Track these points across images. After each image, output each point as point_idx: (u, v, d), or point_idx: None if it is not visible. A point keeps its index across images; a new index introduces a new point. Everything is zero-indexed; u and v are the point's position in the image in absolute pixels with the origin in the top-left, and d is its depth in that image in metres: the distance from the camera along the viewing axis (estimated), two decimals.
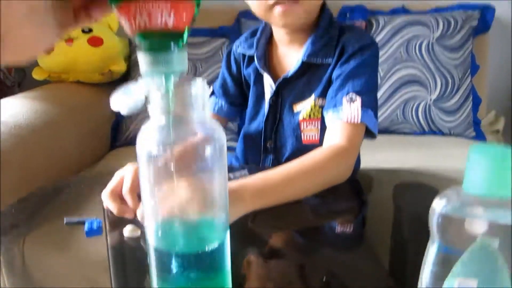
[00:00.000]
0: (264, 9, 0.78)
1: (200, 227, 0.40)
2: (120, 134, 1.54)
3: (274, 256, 0.52)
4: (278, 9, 0.76)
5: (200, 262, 0.37)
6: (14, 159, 1.00)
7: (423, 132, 1.52)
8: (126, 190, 0.61)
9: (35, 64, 1.56)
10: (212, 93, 0.98)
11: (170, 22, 0.31)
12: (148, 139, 0.36)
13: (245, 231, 0.58)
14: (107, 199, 0.62)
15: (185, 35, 0.34)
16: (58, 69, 1.52)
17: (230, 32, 1.63)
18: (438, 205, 0.37)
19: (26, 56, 0.30)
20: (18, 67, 1.76)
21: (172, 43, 0.33)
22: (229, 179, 0.78)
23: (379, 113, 1.51)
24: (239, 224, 0.57)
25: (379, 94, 1.51)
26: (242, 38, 0.95)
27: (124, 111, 0.33)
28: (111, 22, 1.62)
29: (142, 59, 0.33)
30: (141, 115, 1.50)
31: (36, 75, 1.54)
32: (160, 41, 0.33)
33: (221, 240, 0.38)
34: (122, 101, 0.33)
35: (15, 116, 1.12)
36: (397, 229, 0.64)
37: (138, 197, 0.61)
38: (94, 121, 1.46)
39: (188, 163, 0.36)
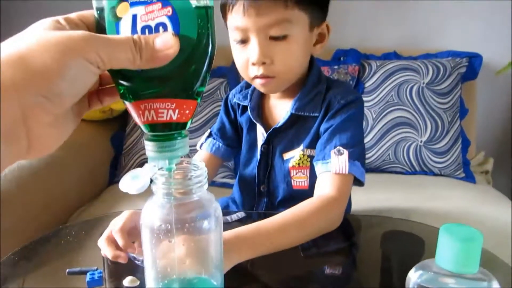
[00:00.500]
0: (247, 78, 0.85)
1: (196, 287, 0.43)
2: (118, 170, 1.57)
3: None
4: (257, 81, 0.83)
5: None
6: (16, 200, 1.03)
7: (414, 172, 1.56)
8: (116, 229, 0.64)
9: None
10: (210, 134, 1.03)
11: (174, 117, 0.36)
12: (152, 215, 0.39)
13: (236, 271, 0.61)
14: (103, 246, 0.65)
15: (188, 124, 0.38)
16: None
17: (228, 72, 1.69)
18: (414, 276, 0.41)
19: (48, 151, 0.34)
20: None
21: (175, 134, 0.37)
22: (226, 221, 0.82)
23: (372, 153, 1.56)
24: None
25: (371, 135, 1.56)
26: (238, 88, 1.01)
27: (132, 192, 0.37)
28: None
29: (148, 146, 0.37)
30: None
31: None
32: (164, 131, 0.37)
33: None
34: (130, 185, 0.37)
35: None
36: (383, 274, 0.67)
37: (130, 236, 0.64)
38: (94, 158, 1.50)
39: (188, 236, 0.39)
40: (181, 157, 0.40)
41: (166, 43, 0.33)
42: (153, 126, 0.36)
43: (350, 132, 0.83)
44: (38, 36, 0.31)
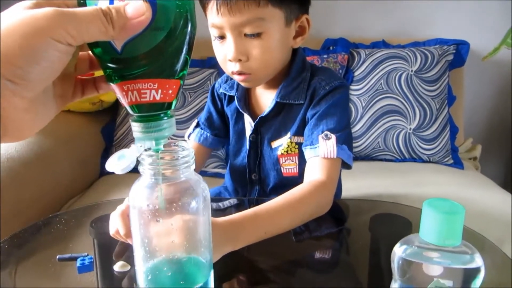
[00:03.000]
0: (228, 73, 0.86)
1: (185, 268, 0.43)
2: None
3: (257, 282, 0.56)
4: (236, 77, 0.84)
5: None
6: (6, 191, 1.03)
7: (403, 159, 1.58)
8: (118, 213, 0.63)
9: None
10: (197, 124, 1.03)
11: (158, 97, 0.36)
12: (139, 195, 0.40)
13: (228, 257, 0.62)
14: (117, 220, 0.62)
15: (173, 104, 0.38)
16: None
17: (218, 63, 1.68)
18: (399, 250, 0.41)
19: (25, 136, 0.33)
20: None
21: (160, 114, 0.37)
22: (219, 208, 0.83)
23: (361, 141, 1.57)
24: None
25: (361, 123, 1.58)
26: (224, 77, 1.01)
27: (118, 172, 0.38)
28: None
29: (135, 127, 0.38)
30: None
31: None
32: (150, 112, 0.37)
33: (205, 279, 0.42)
34: (116, 164, 0.37)
35: (7, 149, 1.14)
36: (372, 257, 0.68)
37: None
38: (85, 150, 1.50)
39: (176, 216, 0.40)
40: (168, 139, 0.40)
41: (138, 10, 0.33)
42: (138, 107, 0.37)
43: (336, 117, 0.84)
44: (7, 18, 0.30)
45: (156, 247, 0.40)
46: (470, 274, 0.40)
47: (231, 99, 0.98)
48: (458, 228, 0.38)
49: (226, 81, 0.99)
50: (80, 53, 0.39)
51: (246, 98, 0.96)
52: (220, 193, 1.06)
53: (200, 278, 0.42)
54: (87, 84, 0.39)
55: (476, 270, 0.40)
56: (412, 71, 1.58)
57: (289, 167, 0.93)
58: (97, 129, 1.61)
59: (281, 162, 0.92)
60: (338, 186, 0.92)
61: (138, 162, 0.39)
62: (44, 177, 1.21)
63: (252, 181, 0.98)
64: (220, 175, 1.45)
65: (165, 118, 0.38)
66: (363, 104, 1.59)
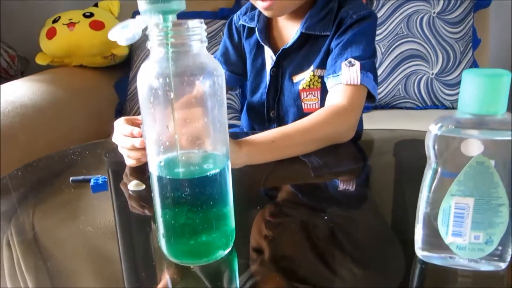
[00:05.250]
0: (252, 1, 0.82)
1: (200, 154, 0.40)
2: (123, 116, 1.55)
3: (280, 213, 0.53)
4: (260, 4, 0.79)
5: (202, 188, 0.38)
6: (20, 135, 1.02)
7: (425, 107, 1.52)
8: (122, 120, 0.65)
9: (38, 50, 1.58)
10: None
11: None
12: (148, 72, 0.37)
13: (253, 192, 0.59)
14: (122, 124, 0.66)
15: None
16: (61, 54, 1.53)
17: (230, 14, 1.63)
18: (434, 128, 0.38)
19: None
20: (21, 55, 1.77)
21: None
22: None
23: (381, 89, 1.51)
24: (247, 186, 0.59)
25: (380, 70, 1.52)
26: (243, 9, 0.96)
27: (122, 42, 0.34)
28: (111, 7, 1.62)
29: None
30: None
31: (40, 60, 1.55)
32: None
33: (222, 167, 0.39)
34: (120, 33, 0.34)
35: (20, 97, 1.13)
36: (398, 184, 0.65)
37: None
38: (98, 104, 1.48)
39: (187, 93, 0.36)
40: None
41: None
42: None
43: (362, 45, 0.79)
44: None
45: (168, 126, 0.37)
46: None
47: (250, 32, 0.93)
48: (502, 93, 0.34)
49: (245, 13, 0.94)
50: None
51: (268, 30, 0.91)
52: (237, 134, 1.03)
53: (215, 167, 0.39)
54: None
55: None
56: (434, 12, 1.50)
57: (310, 102, 0.88)
58: (110, 84, 1.59)
59: (302, 97, 0.88)
60: (359, 123, 0.88)
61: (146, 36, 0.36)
62: (57, 126, 1.20)
63: (270, 119, 0.94)
64: (235, 127, 1.42)
65: None
66: (383, 50, 1.52)
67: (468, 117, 0.36)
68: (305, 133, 0.69)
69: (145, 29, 0.36)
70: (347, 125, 0.75)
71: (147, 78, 0.36)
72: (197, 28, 0.36)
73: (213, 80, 0.37)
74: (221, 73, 0.38)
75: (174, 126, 0.36)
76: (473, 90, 0.34)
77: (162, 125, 0.37)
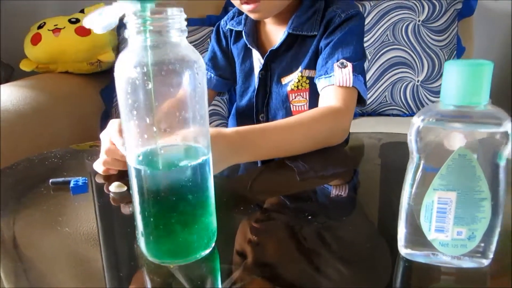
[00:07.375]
0: (237, 5, 0.82)
1: (180, 147, 0.39)
2: None
3: (265, 216, 0.52)
4: (245, 7, 0.79)
5: (181, 181, 0.36)
6: (1, 142, 1.00)
7: (411, 114, 1.53)
8: (115, 132, 0.60)
9: (23, 57, 1.55)
10: None
11: None
12: (125, 61, 0.36)
13: (238, 195, 0.58)
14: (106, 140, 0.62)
15: None
16: (45, 60, 1.51)
17: (218, 21, 1.63)
18: (416, 120, 0.37)
19: None
20: (5, 62, 1.75)
21: None
22: None
23: (368, 96, 1.52)
24: (233, 189, 0.58)
25: (367, 77, 1.52)
26: (230, 14, 0.96)
27: (98, 30, 0.33)
28: None
29: None
30: None
31: (24, 66, 1.53)
32: None
33: (202, 159, 0.38)
34: (96, 20, 0.33)
35: (3, 102, 1.11)
36: (384, 186, 0.64)
37: None
38: (83, 111, 1.46)
39: (166, 84, 0.36)
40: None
41: None
42: None
43: (353, 46, 0.79)
44: None
45: (146, 117, 0.36)
46: (496, 144, 0.36)
47: (238, 36, 0.93)
48: (485, 82, 0.34)
49: (232, 18, 0.94)
50: None
51: (255, 33, 0.91)
52: None
53: (195, 159, 0.38)
54: None
55: (504, 136, 0.35)
56: (419, 21, 1.52)
57: (299, 104, 0.88)
58: (96, 91, 1.57)
59: (290, 99, 0.88)
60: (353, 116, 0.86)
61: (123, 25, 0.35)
62: (41, 132, 1.18)
63: (260, 122, 0.93)
64: None
65: None
66: (369, 57, 1.53)
67: (451, 109, 0.35)
68: (303, 129, 0.67)
69: (123, 17, 0.35)
70: (342, 127, 0.74)
71: (125, 67, 0.35)
72: (177, 16, 0.35)
73: (193, 71, 0.36)
74: (201, 64, 0.37)
75: (153, 118, 0.35)
76: (456, 80, 0.34)
77: (140, 117, 0.36)
